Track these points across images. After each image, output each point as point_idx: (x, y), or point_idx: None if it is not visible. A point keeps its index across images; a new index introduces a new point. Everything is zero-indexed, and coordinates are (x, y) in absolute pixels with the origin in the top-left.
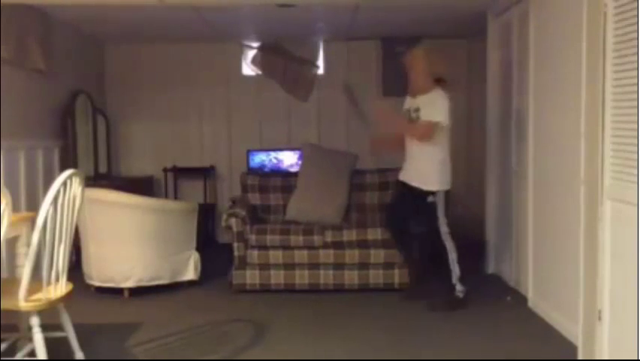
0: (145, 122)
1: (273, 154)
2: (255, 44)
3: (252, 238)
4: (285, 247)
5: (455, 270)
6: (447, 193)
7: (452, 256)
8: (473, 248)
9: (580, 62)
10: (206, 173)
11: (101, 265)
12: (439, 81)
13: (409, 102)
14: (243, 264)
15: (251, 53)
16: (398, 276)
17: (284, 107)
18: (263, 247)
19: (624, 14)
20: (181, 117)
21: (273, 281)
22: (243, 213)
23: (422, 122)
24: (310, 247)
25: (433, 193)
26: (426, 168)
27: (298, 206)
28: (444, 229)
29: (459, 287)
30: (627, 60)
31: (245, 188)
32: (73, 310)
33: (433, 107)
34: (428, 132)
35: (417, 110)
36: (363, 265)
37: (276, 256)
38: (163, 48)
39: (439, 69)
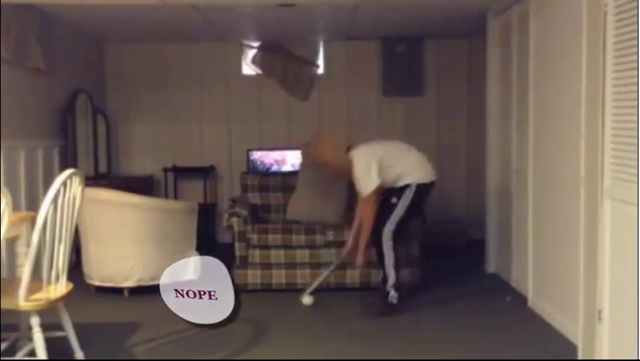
0: (145, 122)
1: (273, 154)
2: (255, 44)
3: (254, 237)
4: (287, 247)
5: (391, 275)
6: None
7: (389, 261)
8: (473, 248)
9: (580, 62)
10: (206, 173)
11: (101, 265)
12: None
13: None
14: (245, 263)
15: (251, 53)
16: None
17: (284, 107)
18: (264, 247)
19: (624, 14)
20: (181, 117)
21: (274, 281)
22: (245, 212)
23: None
24: (312, 247)
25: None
26: None
27: (299, 206)
28: (386, 233)
29: (392, 293)
30: (627, 60)
31: (245, 188)
32: (73, 310)
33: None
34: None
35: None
36: (365, 264)
37: (277, 255)
38: (163, 48)
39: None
